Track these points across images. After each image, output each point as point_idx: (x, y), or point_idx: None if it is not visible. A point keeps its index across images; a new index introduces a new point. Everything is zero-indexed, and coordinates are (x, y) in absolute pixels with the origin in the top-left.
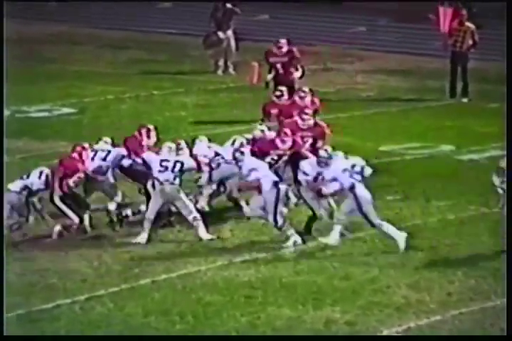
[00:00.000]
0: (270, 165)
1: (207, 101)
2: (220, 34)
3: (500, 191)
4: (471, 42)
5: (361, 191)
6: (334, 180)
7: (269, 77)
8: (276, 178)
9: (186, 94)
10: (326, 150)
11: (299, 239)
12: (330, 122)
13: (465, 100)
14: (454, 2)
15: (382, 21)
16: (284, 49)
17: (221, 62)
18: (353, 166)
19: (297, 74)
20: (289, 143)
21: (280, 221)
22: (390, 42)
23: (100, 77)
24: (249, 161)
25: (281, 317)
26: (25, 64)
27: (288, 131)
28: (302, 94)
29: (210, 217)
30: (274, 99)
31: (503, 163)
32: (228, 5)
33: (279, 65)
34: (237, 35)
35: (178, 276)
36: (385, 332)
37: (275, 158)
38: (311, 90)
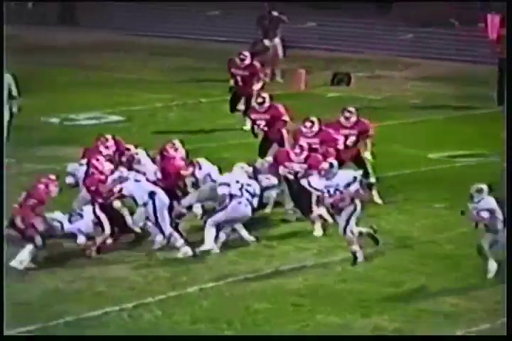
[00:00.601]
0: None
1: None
2: (267, 42)
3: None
4: None
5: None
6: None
7: (232, 82)
8: (151, 189)
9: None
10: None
11: (189, 251)
12: (382, 131)
13: None
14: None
15: (429, 28)
16: (247, 62)
17: (268, 70)
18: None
19: (257, 86)
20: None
21: (167, 232)
22: (437, 50)
23: (148, 85)
24: None
25: (329, 324)
26: (74, 72)
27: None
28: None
29: (258, 224)
30: (257, 106)
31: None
32: (275, 13)
33: (238, 78)
34: (285, 42)
35: (225, 284)
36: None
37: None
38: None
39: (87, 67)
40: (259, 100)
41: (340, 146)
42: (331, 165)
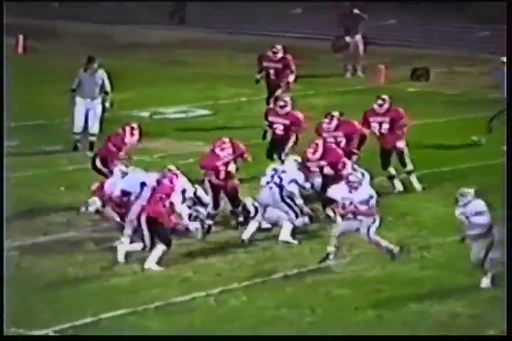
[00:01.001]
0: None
1: (336, 103)
2: (348, 39)
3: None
4: None
5: None
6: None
7: (258, 76)
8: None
9: (316, 96)
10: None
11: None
12: (457, 123)
13: None
14: None
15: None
16: (279, 55)
17: (350, 66)
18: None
19: (291, 78)
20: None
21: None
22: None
23: (234, 80)
24: None
25: (407, 311)
26: (164, 68)
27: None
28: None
29: None
30: (278, 109)
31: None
32: (356, 11)
33: (271, 70)
34: (367, 39)
35: (308, 271)
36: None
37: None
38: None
39: (176, 63)
40: (281, 103)
41: (377, 133)
42: (362, 175)
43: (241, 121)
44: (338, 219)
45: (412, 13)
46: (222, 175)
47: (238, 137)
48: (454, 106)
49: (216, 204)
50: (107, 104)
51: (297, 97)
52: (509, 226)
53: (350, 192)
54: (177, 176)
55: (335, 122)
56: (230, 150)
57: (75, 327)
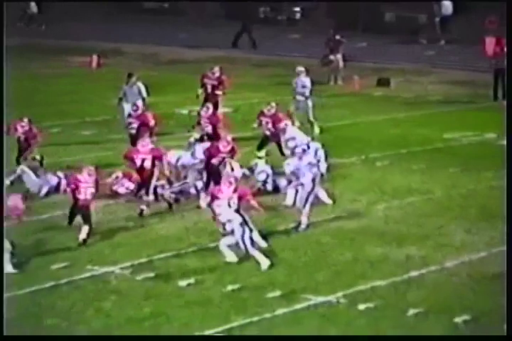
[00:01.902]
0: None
1: (321, 103)
2: (332, 57)
3: None
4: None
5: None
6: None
7: (200, 91)
8: None
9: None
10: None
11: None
12: (413, 119)
13: (504, 102)
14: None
15: (447, 47)
16: (217, 74)
17: (332, 76)
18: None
19: (220, 92)
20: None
21: None
22: (451, 62)
23: (249, 87)
24: None
25: (373, 253)
26: (197, 77)
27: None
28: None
29: None
30: (202, 113)
31: None
32: (337, 37)
33: (209, 86)
34: (345, 57)
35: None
36: None
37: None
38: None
39: None
40: (205, 109)
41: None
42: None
43: (254, 116)
44: None
45: (377, 38)
46: None
47: (250, 127)
48: (409, 106)
49: None
50: (143, 107)
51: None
52: (509, 226)
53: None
54: None
55: (273, 110)
56: None
57: (134, 265)
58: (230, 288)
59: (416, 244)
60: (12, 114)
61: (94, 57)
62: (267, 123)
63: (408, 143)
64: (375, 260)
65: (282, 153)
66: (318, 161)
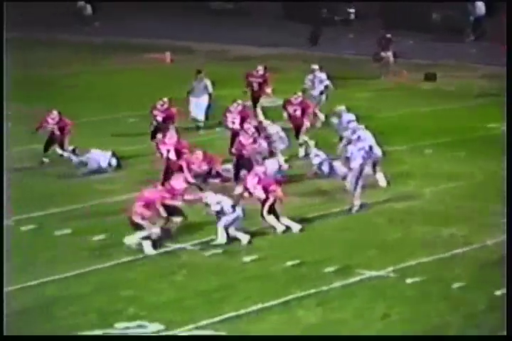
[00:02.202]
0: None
1: (374, 96)
2: (382, 53)
3: None
4: None
5: None
6: None
7: (246, 89)
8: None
9: (362, 91)
10: None
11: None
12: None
13: None
14: None
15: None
16: (261, 72)
17: (384, 71)
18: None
19: (269, 90)
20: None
21: None
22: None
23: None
24: None
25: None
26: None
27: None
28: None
29: None
30: (231, 108)
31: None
32: (388, 35)
33: (255, 84)
34: (395, 54)
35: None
36: None
37: None
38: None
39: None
40: (235, 105)
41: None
42: None
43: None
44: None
45: (424, 37)
46: None
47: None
48: (453, 98)
49: None
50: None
51: (349, 92)
52: (509, 226)
53: None
54: None
55: (300, 98)
56: None
57: (203, 242)
58: (289, 263)
59: (459, 224)
60: (89, 107)
61: (167, 54)
62: (295, 110)
63: (453, 132)
64: (422, 238)
65: (297, 137)
66: (370, 147)
